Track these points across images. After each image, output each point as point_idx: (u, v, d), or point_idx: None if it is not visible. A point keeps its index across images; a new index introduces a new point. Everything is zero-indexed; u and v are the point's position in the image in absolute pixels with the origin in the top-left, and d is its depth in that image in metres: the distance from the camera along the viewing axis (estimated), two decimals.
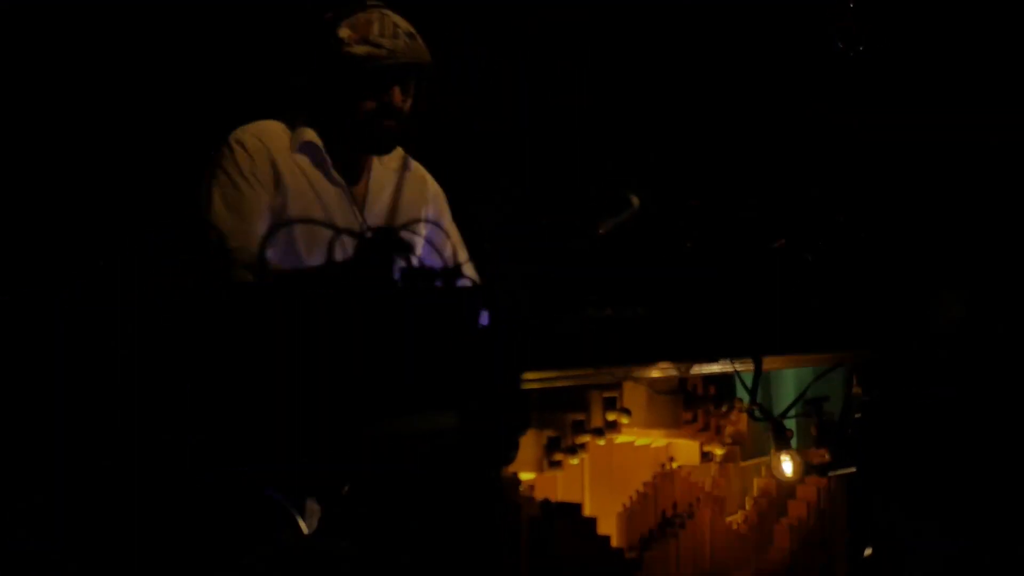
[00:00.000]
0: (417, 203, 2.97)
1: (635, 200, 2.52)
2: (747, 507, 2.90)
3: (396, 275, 2.21)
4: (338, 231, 2.19)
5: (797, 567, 2.88)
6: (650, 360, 2.47)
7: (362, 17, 2.74)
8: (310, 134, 2.81)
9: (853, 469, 2.88)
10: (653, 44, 4.69)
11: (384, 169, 2.93)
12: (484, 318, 2.22)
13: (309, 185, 2.78)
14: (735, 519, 2.85)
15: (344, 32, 2.71)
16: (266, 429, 2.23)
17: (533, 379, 2.28)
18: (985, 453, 3.87)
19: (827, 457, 2.85)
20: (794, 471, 2.72)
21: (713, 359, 2.55)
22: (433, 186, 3.02)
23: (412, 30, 2.78)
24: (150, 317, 2.23)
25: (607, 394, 2.50)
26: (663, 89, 4.57)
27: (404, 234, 2.20)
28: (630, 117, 4.56)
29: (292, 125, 2.84)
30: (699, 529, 2.69)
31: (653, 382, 2.57)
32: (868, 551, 3.06)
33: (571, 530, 2.39)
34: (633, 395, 2.57)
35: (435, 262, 2.29)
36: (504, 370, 2.24)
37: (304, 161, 2.80)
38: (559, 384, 2.36)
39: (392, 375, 2.16)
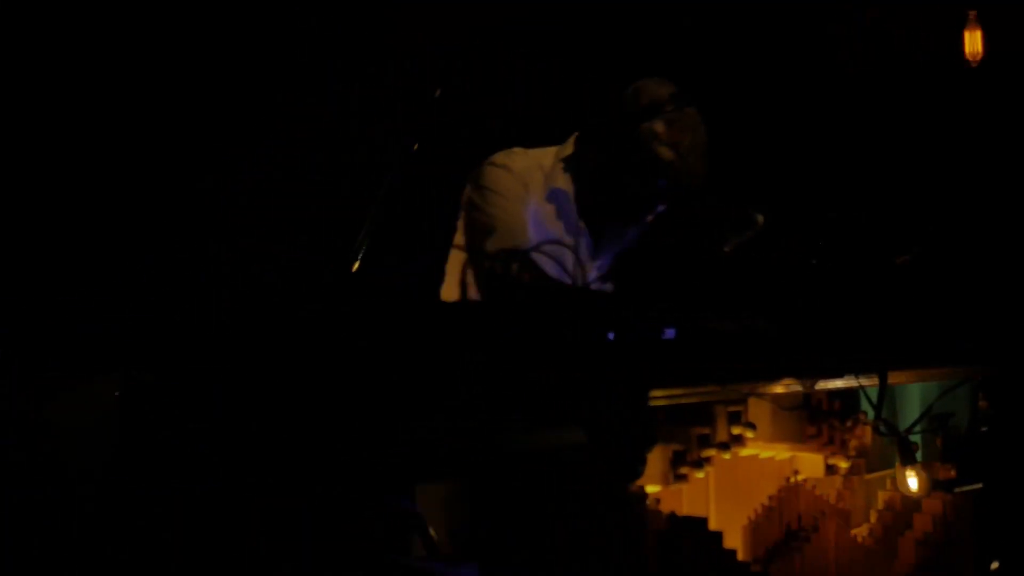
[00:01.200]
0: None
1: (760, 218, 2.55)
2: (872, 520, 2.91)
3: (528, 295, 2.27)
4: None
5: None
6: (775, 377, 2.50)
7: (680, 119, 2.75)
8: (563, 181, 2.88)
9: (980, 485, 2.88)
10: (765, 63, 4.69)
11: None
12: (612, 335, 2.27)
13: (544, 228, 2.85)
14: (860, 532, 2.86)
15: (659, 127, 2.75)
16: (394, 445, 2.29)
17: (659, 396, 2.33)
18: None
19: (953, 473, 2.84)
20: (920, 487, 2.72)
21: (838, 375, 2.56)
22: None
23: (705, 145, 2.80)
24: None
25: (732, 408, 2.54)
26: (784, 107, 4.57)
27: (535, 254, 2.27)
28: (750, 133, 4.56)
29: (555, 158, 2.93)
30: (824, 543, 2.71)
31: (777, 397, 2.60)
32: (995, 566, 3.05)
33: (698, 544, 2.43)
34: (757, 409, 2.60)
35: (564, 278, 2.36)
36: (632, 387, 2.29)
37: (549, 209, 2.88)
38: (684, 401, 2.40)
39: (522, 392, 2.22)
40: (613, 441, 2.31)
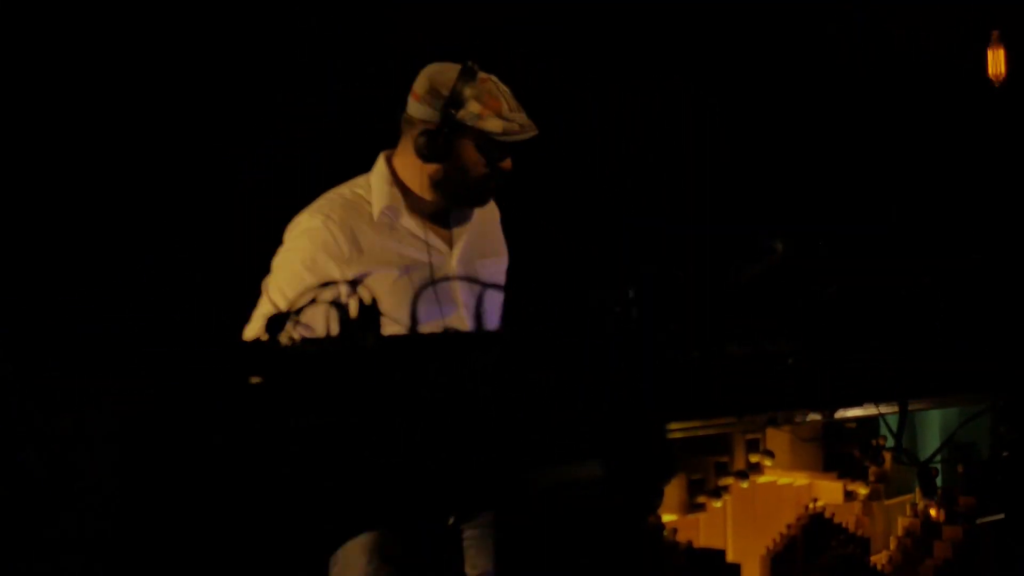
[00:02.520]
0: (493, 230, 3.05)
1: (779, 246, 2.51)
2: (891, 547, 2.88)
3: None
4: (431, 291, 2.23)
5: None
6: (793, 406, 2.47)
7: (483, 89, 2.80)
8: (390, 197, 2.88)
9: (1001, 516, 2.84)
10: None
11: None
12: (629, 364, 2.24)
13: (390, 247, 2.84)
14: (879, 559, 2.83)
15: (474, 107, 2.77)
16: (408, 485, 2.27)
17: (676, 429, 2.30)
18: None
19: (974, 502, 2.81)
20: (940, 517, 2.70)
21: (857, 404, 2.53)
22: (494, 207, 3.10)
23: (513, 96, 2.85)
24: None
25: (750, 436, 2.51)
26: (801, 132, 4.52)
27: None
28: (766, 161, 4.52)
29: (368, 182, 2.92)
30: (844, 571, 2.68)
31: (795, 428, 2.57)
32: None
33: None
34: (776, 438, 2.57)
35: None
36: (649, 420, 2.26)
37: (385, 222, 2.87)
38: (702, 433, 2.37)
39: (538, 425, 2.19)
40: (630, 475, 2.29)
